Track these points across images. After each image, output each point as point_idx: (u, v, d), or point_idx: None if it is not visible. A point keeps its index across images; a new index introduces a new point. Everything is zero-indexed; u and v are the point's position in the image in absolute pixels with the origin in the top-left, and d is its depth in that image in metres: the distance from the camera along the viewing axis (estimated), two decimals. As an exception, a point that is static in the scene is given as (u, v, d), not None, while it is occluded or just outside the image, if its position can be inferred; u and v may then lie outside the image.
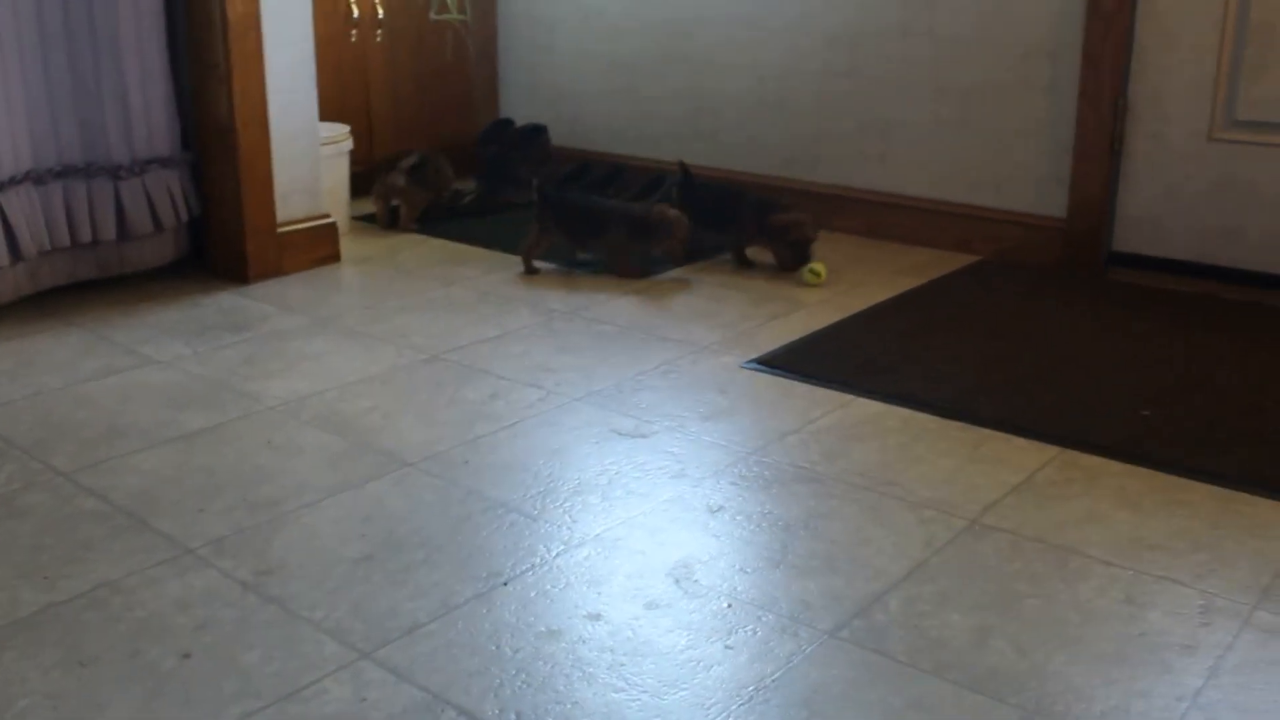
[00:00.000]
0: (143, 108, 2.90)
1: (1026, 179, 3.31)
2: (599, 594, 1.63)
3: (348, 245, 3.37)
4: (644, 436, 2.14)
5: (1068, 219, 3.23)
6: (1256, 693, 1.45)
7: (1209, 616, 1.61)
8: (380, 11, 3.95)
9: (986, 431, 2.18)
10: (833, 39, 3.56)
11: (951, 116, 3.40)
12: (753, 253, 3.28)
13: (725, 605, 1.61)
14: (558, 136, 4.22)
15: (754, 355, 2.54)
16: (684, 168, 3.41)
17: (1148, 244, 3.17)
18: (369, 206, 3.67)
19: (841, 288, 3.04)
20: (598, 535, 1.79)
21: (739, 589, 1.65)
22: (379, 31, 3.97)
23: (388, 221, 3.60)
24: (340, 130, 3.51)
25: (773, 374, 2.45)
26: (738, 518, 1.85)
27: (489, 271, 3.16)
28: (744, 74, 3.77)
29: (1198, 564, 1.74)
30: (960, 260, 3.32)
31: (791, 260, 3.15)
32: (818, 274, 3.08)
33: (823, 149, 3.66)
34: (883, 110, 3.52)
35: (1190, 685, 1.46)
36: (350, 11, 3.86)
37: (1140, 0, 3.06)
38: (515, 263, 3.20)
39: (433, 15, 4.14)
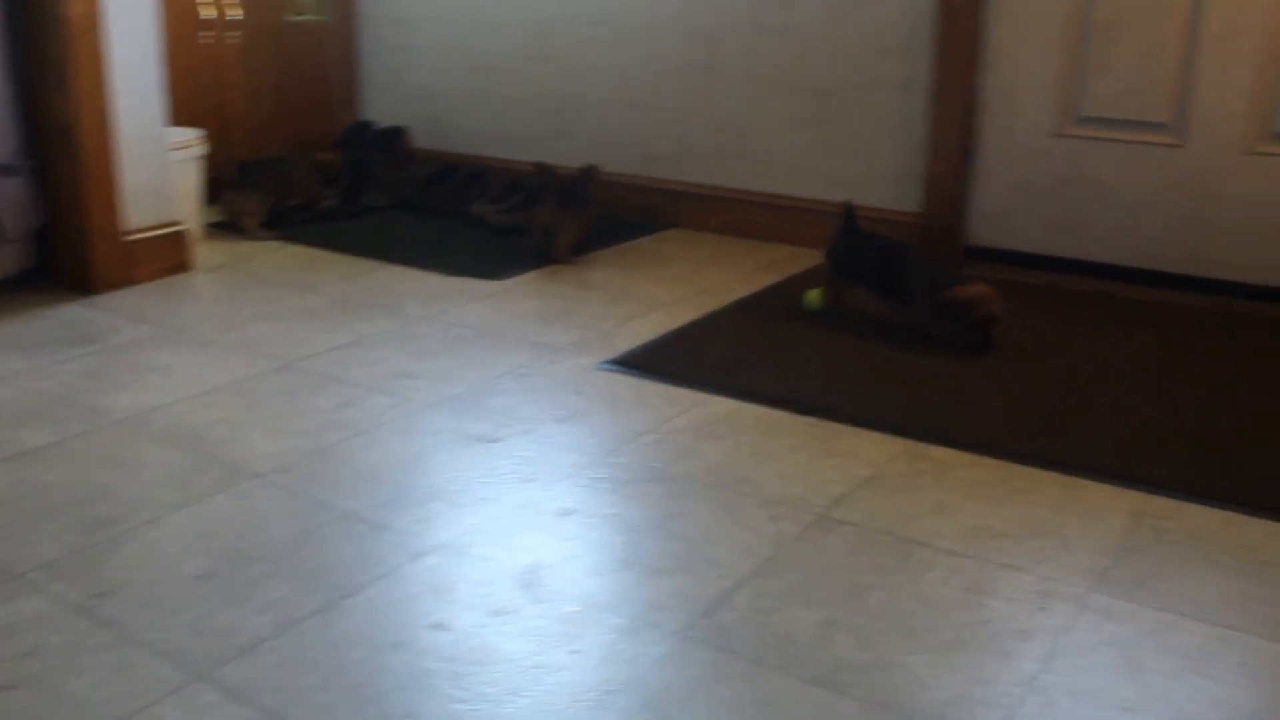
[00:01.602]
0: (-22, 114, 2.80)
1: (883, 175, 3.35)
2: (445, 603, 1.61)
3: (202, 253, 3.30)
4: (497, 441, 2.12)
5: (923, 214, 3.28)
6: (1091, 674, 1.47)
7: (1048, 601, 1.64)
8: (234, 13, 3.86)
9: (840, 426, 2.20)
10: (690, 37, 3.57)
11: (809, 114, 3.43)
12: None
13: (573, 610, 1.60)
14: (420, 138, 4.18)
15: (610, 356, 2.53)
16: (849, 210, 2.83)
17: (1000, 238, 3.24)
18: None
19: (699, 285, 3.05)
20: (445, 543, 1.76)
21: (588, 593, 1.64)
22: (234, 33, 3.89)
23: (243, 228, 3.53)
24: (192, 134, 3.43)
25: (629, 374, 2.44)
26: (589, 520, 1.84)
27: (346, 277, 3.11)
28: (604, 73, 3.77)
29: (1039, 550, 1.78)
30: (818, 257, 3.34)
31: (974, 344, 2.59)
32: (816, 301, 2.84)
33: (682, 147, 3.67)
34: (741, 108, 3.54)
35: (1028, 670, 1.48)
36: (199, 13, 3.77)
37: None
38: (372, 266, 3.16)
39: (289, 16, 4.07)
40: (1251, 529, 1.86)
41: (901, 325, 2.70)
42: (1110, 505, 1.92)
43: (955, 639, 1.55)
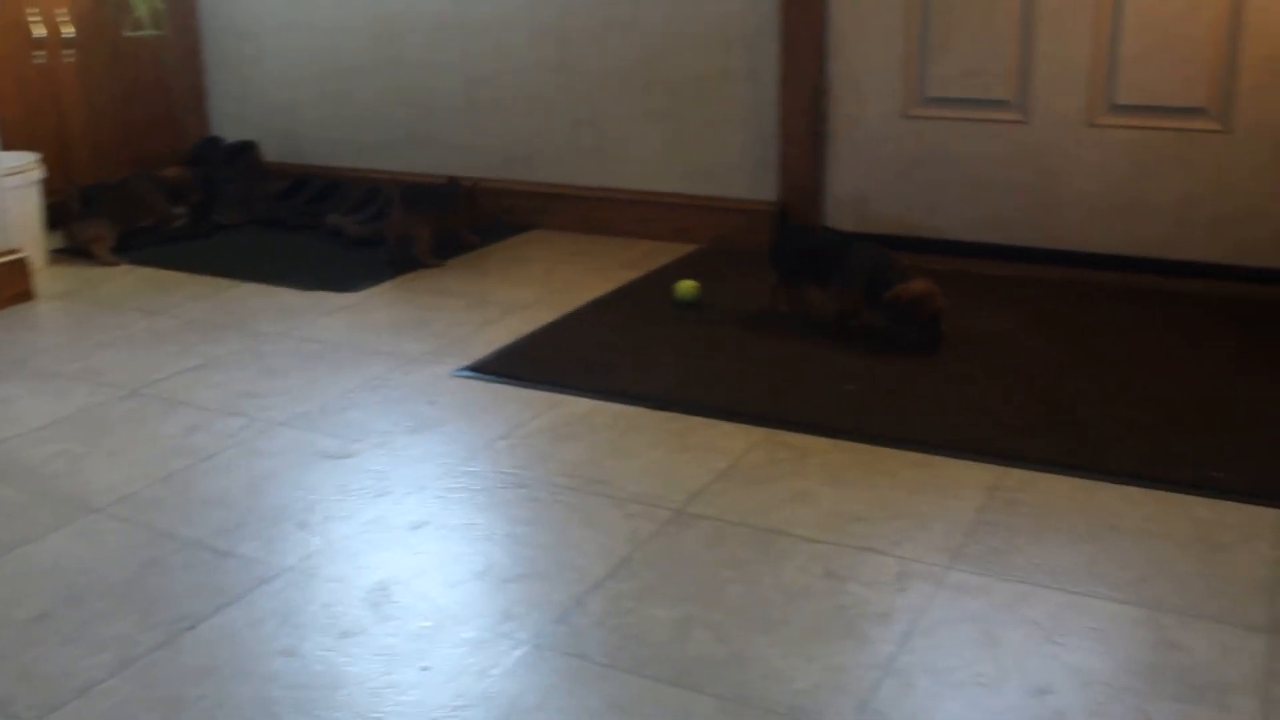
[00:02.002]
0: None
1: (738, 165, 3.35)
2: (292, 628, 1.56)
3: (46, 281, 3.18)
4: (348, 457, 2.07)
5: (780, 202, 3.29)
6: (947, 652, 1.47)
7: (905, 582, 1.64)
8: (68, 30, 3.74)
9: (697, 420, 2.19)
10: (540, 37, 3.54)
11: (661, 108, 3.42)
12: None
13: (424, 625, 1.55)
14: (273, 152, 4.09)
15: (466, 363, 2.49)
16: (782, 210, 2.93)
17: (857, 221, 3.25)
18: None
19: (557, 286, 3.02)
20: (293, 566, 1.71)
21: (440, 607, 1.60)
22: (69, 51, 3.76)
23: (93, 255, 3.41)
24: (28, 158, 3.31)
25: (484, 380, 2.40)
26: (441, 532, 1.80)
27: (196, 298, 3.02)
28: (456, 76, 3.72)
29: (897, 531, 1.78)
30: (679, 250, 3.34)
31: (921, 344, 2.50)
32: (691, 290, 2.83)
33: (537, 147, 3.64)
34: (594, 105, 3.51)
35: (885, 653, 1.48)
36: (30, 31, 3.64)
37: (828, -16, 3.14)
38: (225, 285, 3.07)
39: (127, 32, 3.95)
40: (1103, 494, 1.88)
41: (834, 318, 2.65)
42: (967, 480, 1.93)
43: (813, 627, 1.53)
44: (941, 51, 3.07)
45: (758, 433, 2.13)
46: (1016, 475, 1.95)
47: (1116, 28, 2.89)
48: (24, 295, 3.03)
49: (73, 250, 3.44)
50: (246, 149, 3.91)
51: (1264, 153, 2.82)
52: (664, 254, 3.30)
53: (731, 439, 2.10)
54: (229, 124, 4.21)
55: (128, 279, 3.22)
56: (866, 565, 1.68)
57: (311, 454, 2.08)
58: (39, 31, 3.66)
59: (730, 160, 3.36)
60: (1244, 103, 2.82)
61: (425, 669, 1.46)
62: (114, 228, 3.44)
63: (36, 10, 3.65)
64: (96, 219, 3.42)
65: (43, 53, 3.68)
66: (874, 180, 3.21)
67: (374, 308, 2.90)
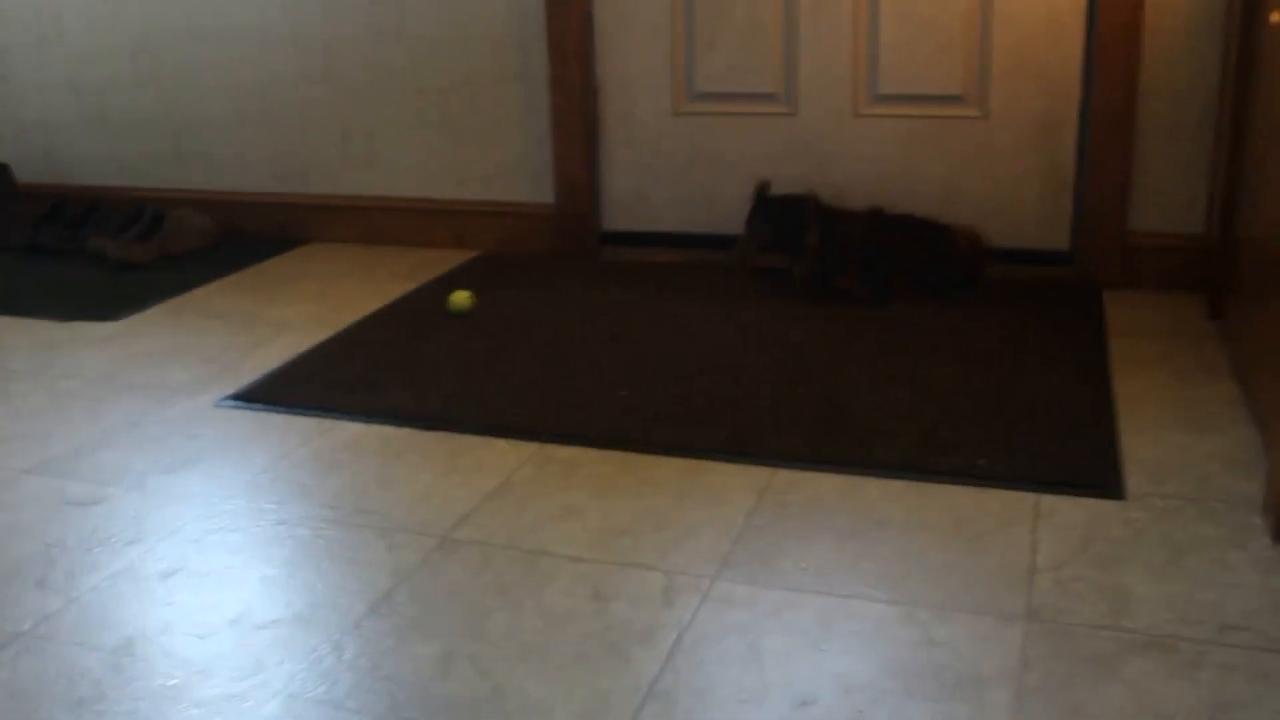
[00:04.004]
0: None
1: (514, 169, 3.30)
2: (21, 703, 1.46)
3: None
4: (98, 503, 1.96)
5: (556, 204, 3.26)
6: (711, 668, 1.46)
7: (671, 596, 1.62)
8: None
9: (468, 439, 2.14)
10: (305, 46, 3.43)
11: (433, 115, 3.35)
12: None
13: (169, 683, 1.48)
14: (29, 173, 3.88)
15: (232, 391, 2.40)
16: (761, 187, 2.98)
17: (634, 220, 3.24)
18: None
19: (332, 302, 2.93)
20: (27, 631, 1.60)
21: (188, 660, 1.52)
22: None
23: None
24: None
25: (250, 409, 2.31)
26: (194, 579, 1.71)
27: (-59, 336, 2.85)
28: (220, 90, 3.58)
29: (664, 542, 1.76)
30: (459, 257, 3.28)
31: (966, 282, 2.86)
32: (465, 300, 2.78)
33: (308, 158, 3.53)
34: (364, 114, 3.43)
35: (648, 674, 1.45)
36: None
37: (593, -16, 3.11)
38: (-28, 322, 2.91)
39: None
40: (869, 489, 1.90)
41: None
42: (737, 484, 1.93)
43: (577, 653, 1.50)
44: (708, 48, 3.07)
45: (528, 448, 2.09)
46: (786, 475, 1.96)
47: (874, 19, 2.93)
48: None
49: None
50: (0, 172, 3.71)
51: (1018, 137, 2.90)
52: (443, 263, 3.24)
53: (502, 456, 2.06)
54: (-18, 145, 4.00)
55: None
56: (632, 582, 1.66)
57: (58, 502, 1.97)
58: None
59: (506, 164, 3.31)
60: (997, 88, 2.89)
61: (167, 733, 1.39)
62: None
63: None
64: None
65: None
66: (648, 178, 3.20)
67: (138, 336, 2.77)
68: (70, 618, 1.63)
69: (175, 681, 1.48)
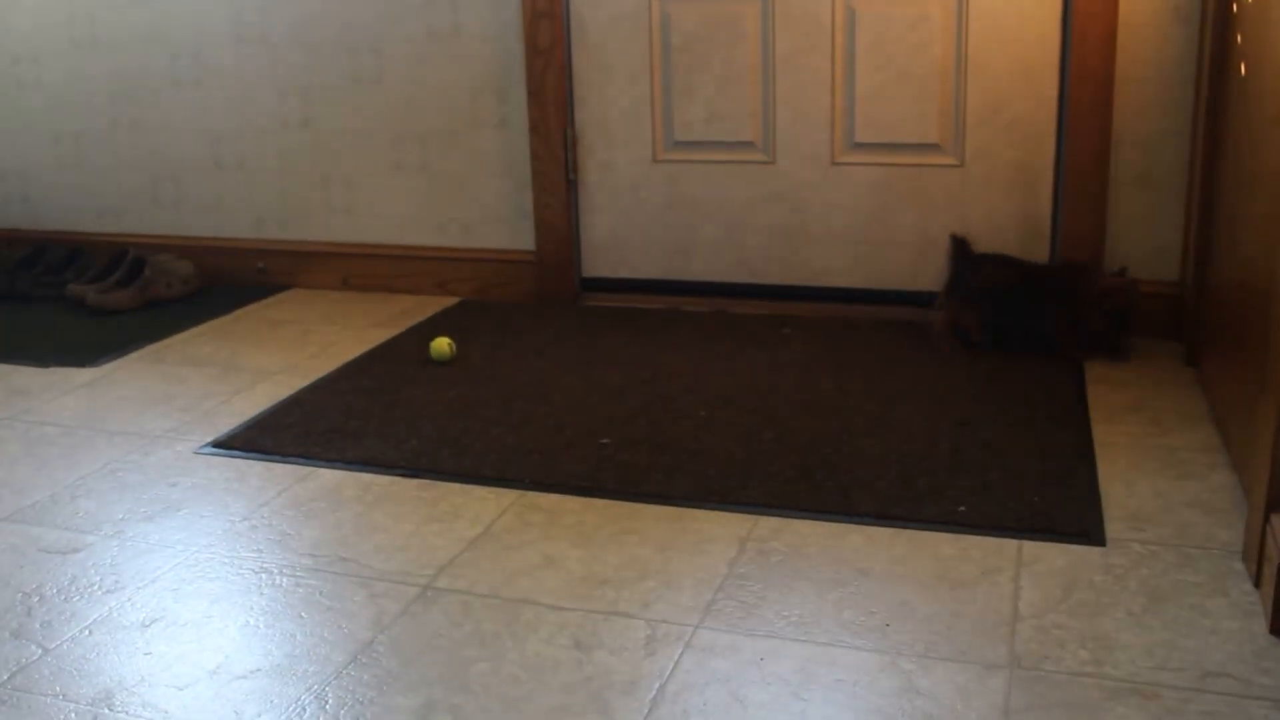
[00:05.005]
0: None
1: (494, 216, 3.32)
2: (-1, 752, 1.45)
3: None
4: (76, 551, 1.95)
5: (537, 251, 3.27)
6: (695, 719, 1.45)
7: (654, 646, 1.62)
8: None
9: (449, 486, 2.14)
10: (284, 93, 3.44)
11: (413, 161, 3.36)
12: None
13: (148, 736, 1.46)
14: (6, 218, 3.88)
15: (211, 438, 2.39)
16: (958, 241, 2.81)
17: (614, 267, 3.26)
18: None
19: (312, 349, 2.93)
20: (3, 683, 1.59)
21: (166, 712, 1.51)
22: None
23: None
24: None
25: (230, 456, 2.30)
26: (173, 629, 1.70)
27: (-83, 383, 2.83)
28: (198, 136, 3.59)
29: (646, 591, 1.76)
30: (440, 304, 3.29)
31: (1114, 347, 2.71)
32: (445, 348, 2.77)
33: (289, 205, 3.54)
34: (344, 161, 3.44)
35: (632, 725, 1.45)
36: None
37: (574, 34, 3.14)
38: (-51, 369, 2.89)
39: None
40: (852, 537, 1.90)
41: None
42: (718, 533, 1.93)
43: (558, 704, 1.50)
44: (686, 97, 3.10)
45: (509, 495, 2.09)
46: (767, 523, 1.96)
47: (850, 67, 2.96)
48: None
49: None
50: (-23, 218, 3.70)
51: (994, 185, 2.93)
52: (423, 310, 3.24)
53: (484, 504, 2.06)
54: (-41, 191, 3.99)
55: None
56: (614, 631, 1.66)
57: (35, 551, 1.95)
58: None
59: (486, 211, 3.32)
60: (973, 137, 2.92)
61: (146, 786, 1.37)
62: None
63: None
64: None
65: None
66: (627, 225, 3.22)
67: (117, 382, 2.76)
68: (48, 668, 1.61)
69: (154, 734, 1.47)
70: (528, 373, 2.69)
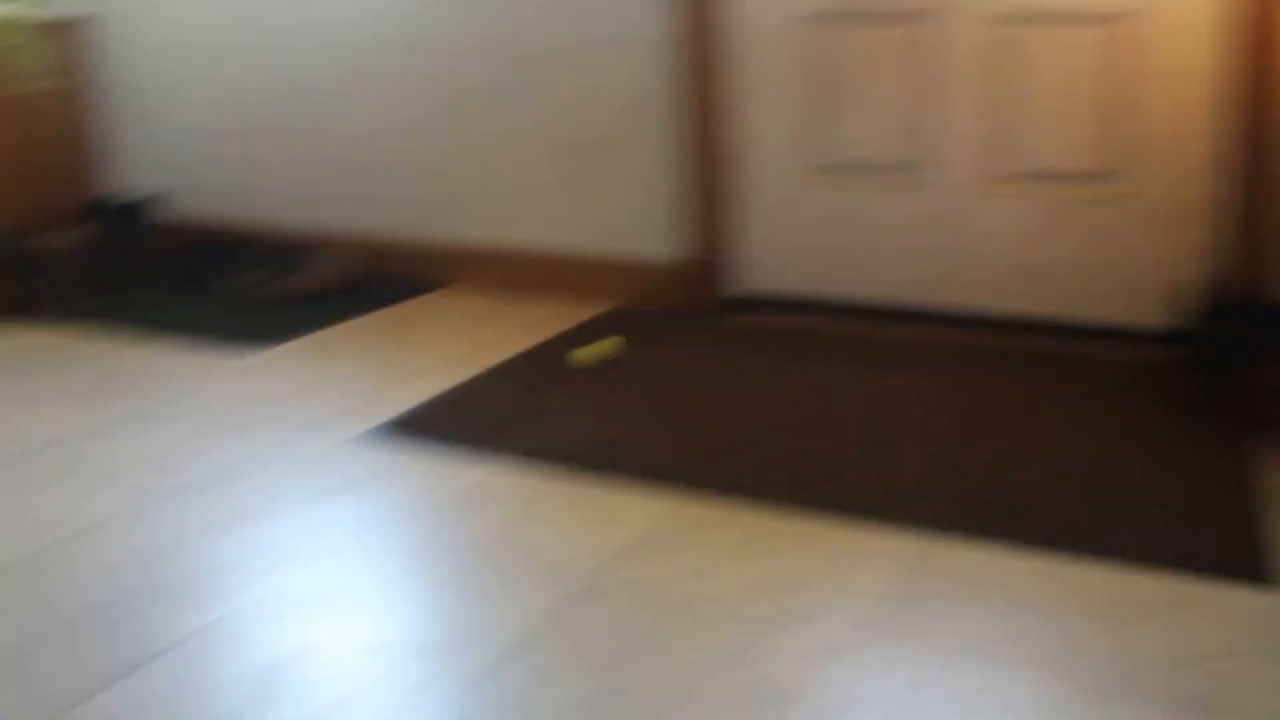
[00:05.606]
0: None
1: (649, 225, 3.34)
2: (176, 711, 1.48)
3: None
4: (241, 528, 1.99)
5: (688, 264, 3.28)
6: (863, 730, 1.44)
7: (818, 657, 1.61)
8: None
9: (616, 484, 2.15)
10: (450, 100, 3.51)
11: (571, 170, 3.41)
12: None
13: (322, 702, 1.49)
14: (177, 210, 4.00)
15: (375, 425, 2.43)
16: (1220, 290, 2.63)
17: (762, 284, 3.26)
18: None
19: (468, 346, 2.97)
20: (171, 648, 1.63)
21: (342, 679, 1.54)
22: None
23: None
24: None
25: (394, 443, 2.34)
26: (346, 601, 1.73)
27: (90, 359, 2.92)
28: (366, 136, 3.67)
29: (811, 602, 1.74)
30: (590, 309, 3.31)
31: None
32: (599, 353, 2.81)
33: (456, 205, 3.60)
34: (505, 166, 3.50)
35: (800, 731, 1.44)
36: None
37: (731, 52, 3.17)
38: (119, 347, 2.98)
39: (15, 89, 3.85)
40: (1021, 563, 1.87)
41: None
42: (881, 549, 1.91)
43: (725, 705, 1.50)
44: (841, 116, 3.09)
45: (676, 497, 2.09)
46: (931, 544, 1.93)
47: (1004, 93, 2.93)
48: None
49: None
50: (144, 206, 3.82)
51: (1158, 217, 2.87)
52: (575, 313, 3.27)
53: (648, 505, 2.07)
54: (132, 180, 4.12)
55: (10, 341, 3.11)
56: (779, 639, 1.65)
57: (212, 520, 2.01)
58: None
59: (642, 221, 3.35)
60: (1136, 168, 2.86)
61: (325, 751, 1.40)
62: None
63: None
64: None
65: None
66: (778, 242, 3.22)
67: (278, 369, 2.83)
68: (217, 636, 1.65)
69: (327, 701, 1.49)
70: (682, 381, 2.69)
